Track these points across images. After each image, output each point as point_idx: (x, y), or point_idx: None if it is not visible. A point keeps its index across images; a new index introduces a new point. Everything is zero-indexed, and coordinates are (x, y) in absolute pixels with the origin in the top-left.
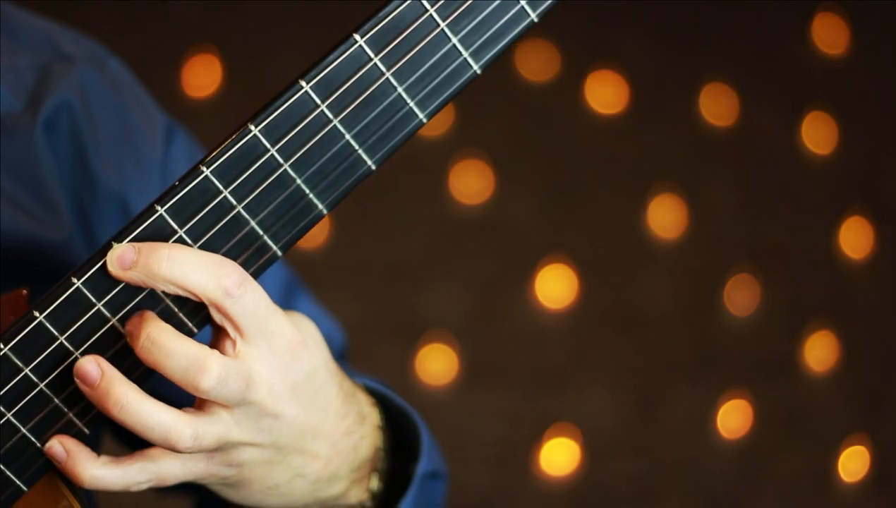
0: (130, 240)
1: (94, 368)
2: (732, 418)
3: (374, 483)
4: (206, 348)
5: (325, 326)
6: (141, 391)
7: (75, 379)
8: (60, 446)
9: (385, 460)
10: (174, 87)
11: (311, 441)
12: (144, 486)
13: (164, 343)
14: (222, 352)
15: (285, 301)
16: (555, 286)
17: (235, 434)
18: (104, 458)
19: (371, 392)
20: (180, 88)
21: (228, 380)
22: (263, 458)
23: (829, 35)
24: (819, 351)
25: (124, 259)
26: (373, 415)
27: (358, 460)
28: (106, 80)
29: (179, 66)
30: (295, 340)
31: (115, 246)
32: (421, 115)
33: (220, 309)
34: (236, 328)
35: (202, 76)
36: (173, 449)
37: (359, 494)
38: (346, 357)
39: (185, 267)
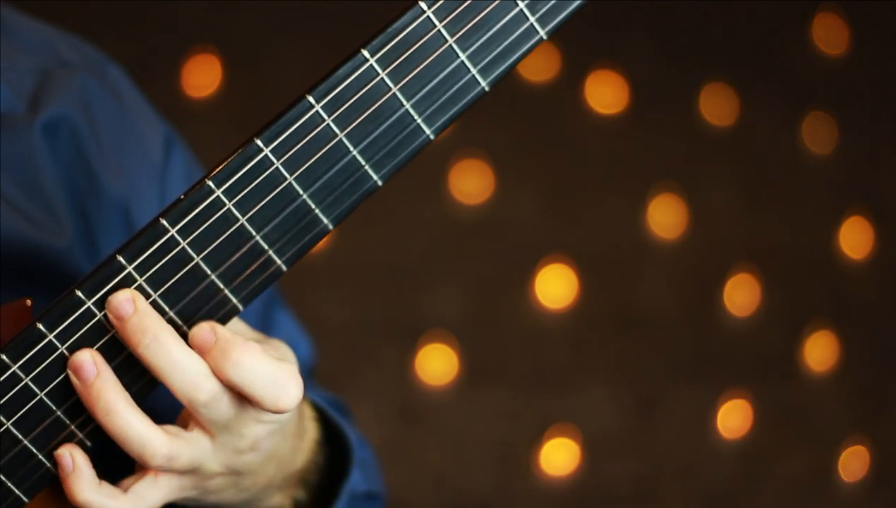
0: (136, 254)
1: (90, 364)
2: (732, 418)
3: (299, 493)
4: (205, 363)
5: (299, 344)
6: (130, 400)
7: (68, 370)
8: (70, 458)
9: (317, 473)
10: (174, 87)
11: (266, 466)
12: None
13: (172, 350)
14: None
15: (264, 315)
16: (555, 286)
17: (210, 463)
18: (105, 486)
19: (315, 406)
20: (180, 88)
21: (220, 402)
22: (228, 484)
23: (829, 35)
24: (819, 351)
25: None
26: (312, 430)
27: (291, 470)
28: (107, 88)
29: (179, 66)
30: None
31: (200, 325)
32: (428, 131)
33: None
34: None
35: (202, 76)
36: (145, 464)
37: (280, 499)
38: (314, 374)
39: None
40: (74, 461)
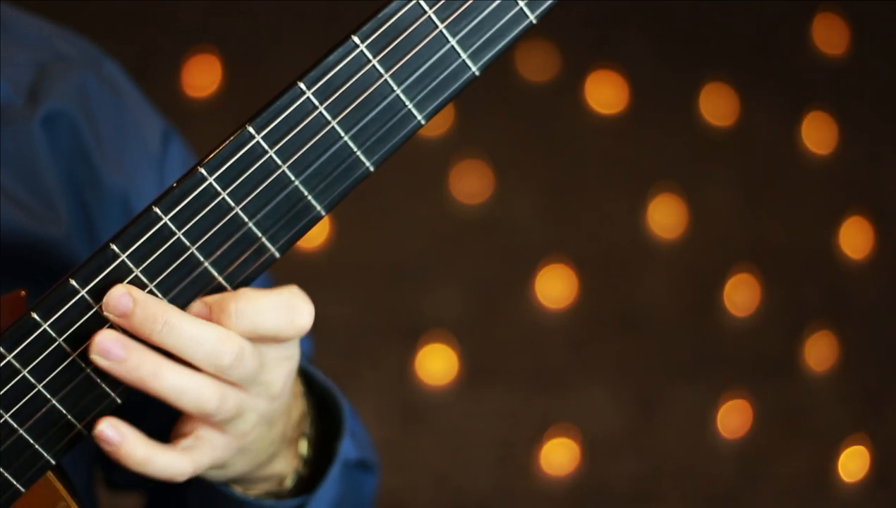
0: (130, 242)
1: (116, 342)
2: (732, 418)
3: (304, 448)
4: (219, 327)
5: None
6: (164, 356)
7: (93, 355)
8: (113, 429)
9: (311, 426)
10: (174, 87)
11: (283, 414)
12: (185, 476)
13: (185, 327)
14: None
15: None
16: (555, 286)
17: (250, 413)
18: (156, 442)
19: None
20: (180, 88)
21: (244, 358)
22: (260, 437)
23: (829, 35)
24: (819, 351)
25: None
26: (297, 382)
27: (295, 418)
28: (104, 82)
29: (179, 66)
30: None
31: (190, 306)
32: (419, 117)
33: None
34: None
35: (202, 76)
36: (201, 411)
37: (291, 461)
38: (311, 362)
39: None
40: (119, 429)
